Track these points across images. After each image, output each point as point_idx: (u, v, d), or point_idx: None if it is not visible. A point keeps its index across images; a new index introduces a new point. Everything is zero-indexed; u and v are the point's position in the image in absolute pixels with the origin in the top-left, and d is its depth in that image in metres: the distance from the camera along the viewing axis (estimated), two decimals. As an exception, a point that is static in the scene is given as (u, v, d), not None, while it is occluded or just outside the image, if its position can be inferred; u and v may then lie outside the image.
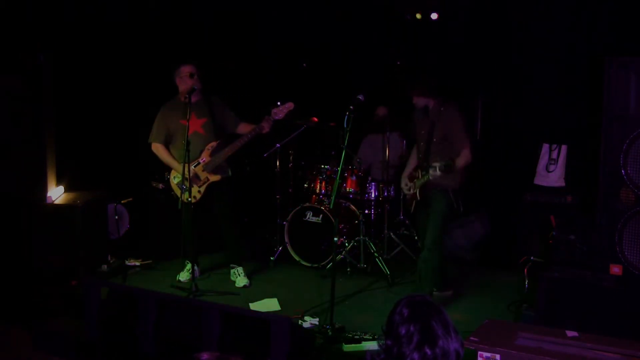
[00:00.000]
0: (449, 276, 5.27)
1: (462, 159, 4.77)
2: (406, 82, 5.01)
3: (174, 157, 5.44)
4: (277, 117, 5.25)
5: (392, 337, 2.13)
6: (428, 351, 2.05)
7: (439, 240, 4.97)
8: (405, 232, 6.75)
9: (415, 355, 2.05)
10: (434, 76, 5.14)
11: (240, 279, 5.54)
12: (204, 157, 5.34)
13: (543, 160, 6.10)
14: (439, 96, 5.00)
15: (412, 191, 5.12)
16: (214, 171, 5.36)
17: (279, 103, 5.24)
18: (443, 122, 4.90)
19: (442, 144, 4.91)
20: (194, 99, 5.31)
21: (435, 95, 4.99)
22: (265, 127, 5.26)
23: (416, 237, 6.06)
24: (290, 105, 5.22)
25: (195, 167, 5.34)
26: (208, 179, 5.36)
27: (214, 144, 5.34)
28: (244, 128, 5.47)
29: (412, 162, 5.28)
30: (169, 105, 5.51)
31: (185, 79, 5.31)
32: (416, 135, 5.19)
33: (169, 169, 5.58)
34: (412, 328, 2.09)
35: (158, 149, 5.51)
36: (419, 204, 5.08)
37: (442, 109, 4.93)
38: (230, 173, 5.55)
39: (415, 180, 5.07)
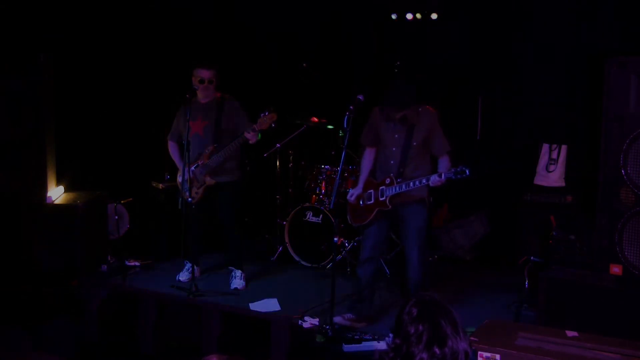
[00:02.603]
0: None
1: (447, 164, 4.47)
2: (398, 100, 4.39)
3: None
4: (261, 128, 5.09)
5: (400, 336, 2.12)
6: (437, 350, 2.04)
7: (424, 257, 4.70)
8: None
9: (424, 355, 2.05)
10: (412, 80, 4.71)
11: (235, 281, 5.51)
12: (202, 160, 5.34)
13: (543, 160, 6.10)
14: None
15: (372, 200, 4.63)
16: (210, 175, 5.35)
17: (267, 113, 5.08)
18: (423, 124, 4.53)
19: (421, 149, 4.55)
20: (205, 100, 5.34)
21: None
22: (250, 138, 5.12)
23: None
24: (273, 117, 5.05)
25: (195, 168, 5.35)
26: (204, 182, 5.36)
27: (211, 147, 5.32)
28: None
29: (366, 168, 4.75)
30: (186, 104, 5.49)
31: (195, 82, 5.30)
32: (382, 140, 4.64)
33: (169, 169, 5.58)
34: (420, 327, 2.08)
35: (169, 146, 5.56)
36: (384, 213, 4.61)
37: (419, 109, 4.53)
38: (236, 178, 5.46)
39: (382, 187, 4.57)
